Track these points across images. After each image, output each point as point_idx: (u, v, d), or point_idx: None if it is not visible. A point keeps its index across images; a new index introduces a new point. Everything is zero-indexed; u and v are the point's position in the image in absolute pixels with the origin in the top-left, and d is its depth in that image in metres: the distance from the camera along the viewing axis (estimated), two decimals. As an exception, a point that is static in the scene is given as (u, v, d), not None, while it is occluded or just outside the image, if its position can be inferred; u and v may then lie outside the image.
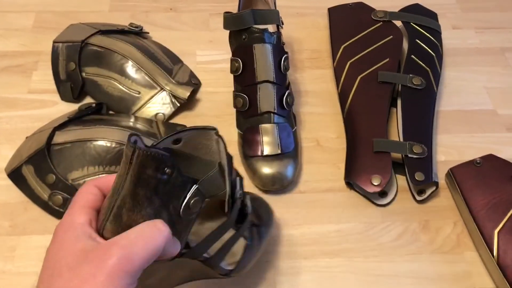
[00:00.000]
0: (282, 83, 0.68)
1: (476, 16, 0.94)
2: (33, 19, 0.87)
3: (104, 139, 0.66)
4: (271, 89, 0.67)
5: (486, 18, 0.93)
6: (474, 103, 0.80)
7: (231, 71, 0.69)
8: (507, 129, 0.77)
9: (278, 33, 0.69)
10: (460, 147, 0.75)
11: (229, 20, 0.67)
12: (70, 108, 0.75)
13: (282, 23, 0.71)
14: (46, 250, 0.42)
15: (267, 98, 0.67)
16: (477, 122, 0.78)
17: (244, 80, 0.68)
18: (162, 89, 0.75)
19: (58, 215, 0.64)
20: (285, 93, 0.68)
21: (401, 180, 0.70)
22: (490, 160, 0.68)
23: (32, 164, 0.65)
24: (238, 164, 0.70)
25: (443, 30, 0.87)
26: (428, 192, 0.68)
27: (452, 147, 0.75)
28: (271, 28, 0.71)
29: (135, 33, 0.82)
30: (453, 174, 0.68)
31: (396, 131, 0.73)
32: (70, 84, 0.76)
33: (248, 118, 0.68)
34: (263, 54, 0.66)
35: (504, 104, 0.80)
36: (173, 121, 0.75)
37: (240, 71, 0.68)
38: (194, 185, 0.42)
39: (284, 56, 0.69)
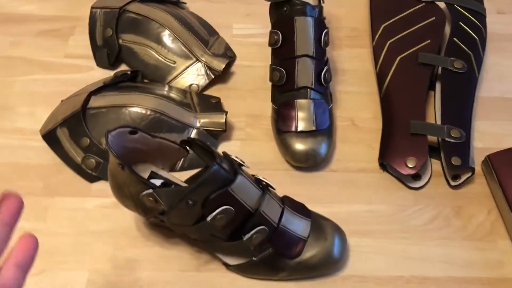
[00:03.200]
0: (321, 59, 0.67)
1: (522, 1, 0.90)
2: (72, -17, 0.87)
3: (139, 105, 0.66)
4: (310, 63, 0.66)
5: (533, 4, 0.90)
6: (515, 91, 0.78)
7: (270, 44, 0.68)
8: (549, 119, 0.75)
9: (320, 7, 0.67)
10: (498, 134, 0.72)
11: (271, -9, 0.66)
12: (105, 74, 0.75)
13: (324, -2, 0.70)
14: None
15: (305, 72, 0.66)
16: (518, 110, 0.76)
17: (283, 54, 0.67)
18: (197, 60, 0.74)
19: (91, 178, 0.65)
20: (323, 68, 0.67)
21: (435, 165, 0.69)
22: (531, 148, 0.66)
23: (67, 127, 0.66)
24: (270, 139, 0.70)
25: (487, 14, 0.84)
26: (463, 177, 0.66)
27: (489, 134, 0.73)
28: (312, 1, 0.69)
29: (173, 3, 0.82)
30: (491, 160, 0.66)
31: (433, 115, 0.72)
32: (106, 51, 0.76)
33: (284, 92, 0.67)
34: (304, 27, 0.65)
35: (547, 93, 0.78)
36: (207, 92, 0.75)
37: (279, 44, 0.66)
38: None
39: (325, 31, 0.67)
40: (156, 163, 0.56)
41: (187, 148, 0.55)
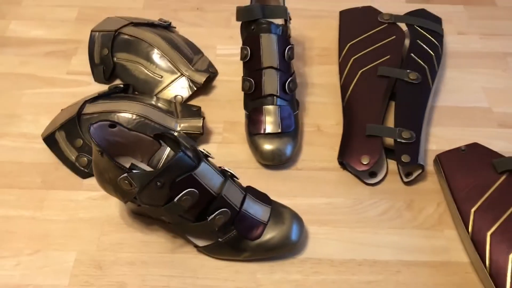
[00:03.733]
0: (285, 70, 0.76)
1: (482, 23, 0.99)
2: (76, 12, 0.99)
3: (127, 111, 0.75)
4: (274, 74, 0.75)
5: (492, 26, 0.99)
6: (470, 101, 0.86)
7: (241, 58, 0.78)
8: (499, 125, 0.82)
9: (285, 27, 0.77)
10: (451, 138, 0.80)
11: (241, 12, 0.76)
12: (102, 88, 0.85)
13: (290, 19, 0.80)
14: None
15: (271, 82, 0.75)
16: (471, 117, 0.83)
17: (251, 66, 0.76)
18: (182, 74, 0.84)
19: (83, 174, 0.74)
20: (288, 79, 0.76)
21: (392, 164, 0.76)
22: (475, 148, 0.73)
23: (64, 130, 0.75)
24: (244, 142, 0.78)
25: (448, 35, 0.94)
26: (415, 174, 0.74)
27: (443, 138, 0.80)
28: (278, 22, 0.79)
29: (164, 27, 0.93)
30: (439, 159, 0.73)
31: (393, 122, 0.79)
32: (102, 67, 0.86)
33: (254, 100, 0.76)
34: (269, 43, 0.74)
35: (501, 103, 0.85)
36: (190, 103, 0.84)
37: (248, 58, 0.76)
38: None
39: (289, 46, 0.77)
40: (135, 156, 0.65)
41: (160, 141, 0.64)
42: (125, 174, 0.58)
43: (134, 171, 0.59)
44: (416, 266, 0.66)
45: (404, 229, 0.70)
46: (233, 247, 0.64)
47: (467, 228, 0.66)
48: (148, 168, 0.66)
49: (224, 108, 0.84)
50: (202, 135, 0.77)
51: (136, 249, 0.67)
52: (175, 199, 0.59)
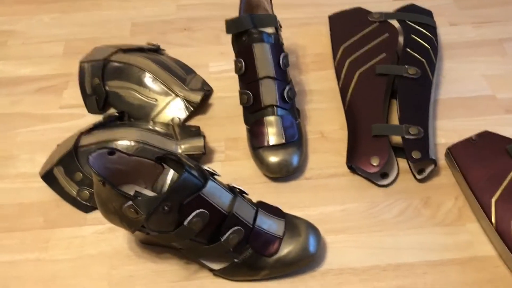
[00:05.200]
0: (282, 79, 0.75)
1: (473, 12, 0.98)
2: (63, 46, 0.97)
3: (124, 138, 0.73)
4: (272, 84, 0.73)
5: (483, 14, 0.98)
6: (472, 90, 0.84)
7: (236, 72, 0.76)
8: (506, 111, 0.80)
9: (276, 34, 0.76)
10: (460, 130, 0.78)
11: (230, 24, 0.74)
12: (96, 119, 0.82)
13: (280, 26, 0.78)
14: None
15: (269, 92, 0.73)
16: (476, 107, 0.81)
17: (247, 78, 0.74)
18: (176, 95, 0.82)
19: (86, 208, 0.71)
20: (285, 87, 0.74)
21: (402, 163, 0.74)
22: (485, 136, 0.71)
23: (62, 165, 0.73)
24: (248, 157, 0.76)
25: (440, 27, 0.92)
26: (428, 170, 0.71)
27: (451, 130, 0.78)
28: (269, 30, 0.77)
29: (153, 50, 0.91)
30: (451, 152, 0.71)
31: (397, 120, 0.77)
32: (95, 97, 0.84)
33: (253, 112, 0.74)
34: (262, 52, 0.73)
35: (503, 89, 0.84)
36: (188, 123, 0.82)
37: (243, 70, 0.74)
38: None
39: (283, 54, 0.75)
40: (138, 182, 0.63)
41: (162, 164, 0.62)
42: (130, 202, 0.55)
43: (139, 198, 0.56)
44: (443, 265, 0.63)
45: (425, 228, 0.67)
46: (250, 267, 0.61)
47: (490, 219, 0.63)
48: (153, 194, 0.63)
49: (224, 125, 0.82)
50: (204, 154, 0.75)
51: (149, 280, 0.64)
52: (185, 223, 0.56)
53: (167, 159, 0.61)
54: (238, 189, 0.62)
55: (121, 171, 0.60)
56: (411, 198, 0.70)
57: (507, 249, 0.61)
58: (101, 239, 0.68)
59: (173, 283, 0.64)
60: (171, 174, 0.63)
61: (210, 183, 0.57)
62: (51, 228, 0.70)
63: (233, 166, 0.76)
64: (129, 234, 0.67)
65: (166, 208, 0.55)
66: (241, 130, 0.79)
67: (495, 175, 0.66)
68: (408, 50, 0.83)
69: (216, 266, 0.62)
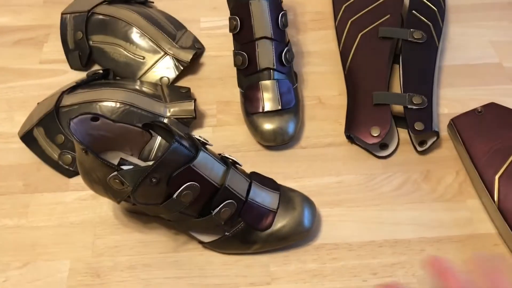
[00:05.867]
0: (280, 40, 0.69)
1: (483, -28, 0.92)
2: (43, -5, 0.90)
3: (109, 99, 0.68)
4: (269, 45, 0.68)
5: (493, -26, 0.92)
6: (479, 57, 0.80)
7: (230, 30, 0.70)
8: (513, 81, 0.76)
9: (275, -9, 0.70)
10: (463, 99, 0.74)
11: (226, -22, 0.68)
12: (79, 76, 0.77)
13: (279, -18, 0.72)
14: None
15: (266, 54, 0.68)
16: (482, 75, 0.77)
17: (243, 38, 0.69)
18: (165, 53, 0.77)
19: (68, 173, 0.67)
20: (284, 49, 0.69)
21: (403, 134, 0.71)
22: (492, 108, 0.68)
23: (42, 126, 0.68)
24: (241, 122, 0.72)
25: (448, -13, 0.87)
26: (429, 142, 0.68)
27: (455, 100, 0.74)
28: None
29: (140, 3, 0.84)
30: (454, 123, 0.68)
31: (399, 87, 0.73)
32: (78, 53, 0.78)
33: (248, 75, 0.70)
34: (260, 10, 0.67)
35: (511, 57, 0.79)
36: (177, 84, 0.77)
37: (238, 29, 0.69)
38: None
39: (282, 12, 0.70)
40: (124, 149, 0.59)
41: (150, 131, 0.57)
42: (115, 173, 0.51)
43: (124, 167, 0.52)
44: (441, 243, 0.61)
45: (424, 203, 0.64)
46: (242, 240, 0.58)
47: (492, 196, 0.61)
48: (139, 162, 0.59)
49: (215, 87, 0.77)
50: (195, 119, 0.70)
51: (136, 251, 0.61)
52: (174, 196, 0.53)
53: (155, 126, 0.57)
54: (231, 159, 0.58)
55: (106, 138, 0.56)
56: (410, 171, 0.67)
57: (508, 228, 0.59)
58: (84, 205, 0.65)
59: (161, 254, 0.61)
60: (158, 140, 0.59)
61: (201, 154, 0.53)
62: (31, 192, 0.66)
63: (225, 131, 0.72)
64: (113, 202, 0.64)
65: (154, 180, 0.51)
66: (234, 93, 0.74)
67: (500, 150, 0.63)
68: (414, 12, 0.78)
69: (206, 238, 0.59)
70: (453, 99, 0.75)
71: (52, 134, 0.67)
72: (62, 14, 0.81)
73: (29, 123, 0.70)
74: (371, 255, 0.60)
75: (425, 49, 0.74)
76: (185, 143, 0.52)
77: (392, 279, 0.58)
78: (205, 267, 0.60)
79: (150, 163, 0.57)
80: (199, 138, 0.56)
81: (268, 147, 0.70)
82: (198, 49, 0.80)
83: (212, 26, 0.85)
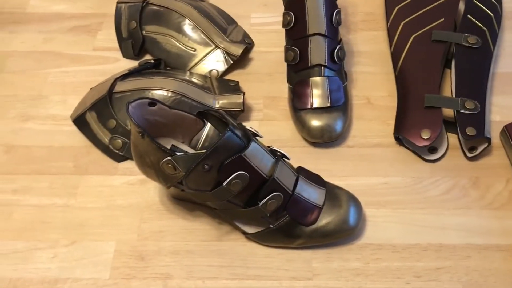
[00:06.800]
0: (333, 37, 0.69)
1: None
2: (99, -16, 0.92)
3: (162, 88, 0.69)
4: (322, 42, 0.68)
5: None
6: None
7: (283, 25, 0.71)
8: None
9: (331, -12, 0.70)
10: (516, 108, 0.73)
11: (283, -26, 0.68)
12: (131, 64, 0.79)
13: (335, -20, 0.72)
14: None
15: (318, 50, 0.68)
16: (537, 84, 0.75)
17: (296, 33, 0.69)
18: (216, 46, 0.78)
19: (117, 157, 0.68)
20: (336, 47, 0.69)
21: (452, 138, 0.70)
22: (548, 117, 0.66)
23: (95, 110, 0.70)
24: (288, 118, 0.72)
25: (505, -6, 0.85)
26: (480, 148, 0.67)
27: (508, 108, 0.73)
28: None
29: (193, -4, 0.86)
30: (508, 130, 0.66)
31: (450, 92, 0.72)
32: (131, 42, 0.80)
33: (299, 71, 0.70)
34: (315, 6, 0.67)
35: None
36: (226, 77, 0.78)
37: (292, 24, 0.69)
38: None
39: (337, 10, 0.69)
40: (176, 136, 0.59)
41: (203, 119, 0.58)
42: (169, 157, 0.52)
43: (176, 153, 0.53)
44: (487, 250, 0.60)
45: (471, 209, 0.63)
46: (286, 234, 0.58)
47: (545, 207, 0.59)
48: (190, 149, 0.60)
49: (264, 82, 0.77)
50: (242, 112, 0.71)
51: (180, 237, 0.62)
52: (224, 183, 0.53)
53: (209, 115, 0.58)
54: (280, 152, 0.59)
55: (160, 124, 0.57)
56: (459, 176, 0.66)
57: (561, 241, 0.57)
58: (131, 190, 0.66)
59: (204, 242, 0.61)
60: (206, 130, 0.60)
61: (252, 145, 0.54)
62: (81, 174, 0.68)
63: (271, 126, 0.72)
64: (161, 187, 0.65)
65: (206, 167, 0.52)
66: (282, 88, 0.75)
67: (555, 160, 0.62)
68: (469, 16, 0.76)
69: (250, 229, 0.60)
70: (505, 106, 0.73)
71: (104, 118, 0.69)
72: (117, 3, 0.83)
73: (82, 107, 0.72)
74: (415, 258, 0.59)
75: (479, 54, 0.73)
76: (238, 132, 0.53)
77: (436, 283, 0.58)
78: (248, 258, 0.60)
79: (202, 151, 0.58)
80: (251, 129, 0.57)
81: (314, 144, 0.70)
82: (248, 44, 0.80)
83: (263, 22, 0.85)
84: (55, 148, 0.71)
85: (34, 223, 0.63)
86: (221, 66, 0.77)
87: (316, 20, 0.67)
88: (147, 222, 0.63)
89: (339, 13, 0.70)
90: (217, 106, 0.70)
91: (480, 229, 0.62)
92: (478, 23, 0.76)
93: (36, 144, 0.71)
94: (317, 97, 0.68)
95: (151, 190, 0.66)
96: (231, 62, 0.77)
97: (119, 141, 0.68)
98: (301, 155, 0.69)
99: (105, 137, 0.69)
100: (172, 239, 0.62)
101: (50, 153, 0.70)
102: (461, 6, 0.79)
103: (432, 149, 0.68)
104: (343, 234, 0.59)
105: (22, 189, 0.66)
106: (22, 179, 0.67)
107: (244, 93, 0.71)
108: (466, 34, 0.74)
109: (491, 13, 0.78)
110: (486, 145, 0.66)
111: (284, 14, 0.70)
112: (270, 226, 0.58)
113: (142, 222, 0.63)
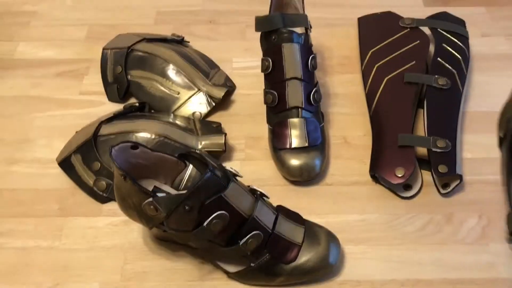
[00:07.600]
0: (309, 81, 0.73)
1: (506, 24, 0.95)
2: (86, 31, 0.96)
3: (145, 131, 0.72)
4: (299, 85, 0.71)
5: (517, 26, 0.95)
6: (502, 105, 0.82)
7: (262, 70, 0.74)
8: (536, 129, 0.78)
9: (306, 35, 0.74)
10: (486, 145, 0.76)
11: (260, 21, 0.72)
12: (116, 107, 0.81)
13: (311, 27, 0.76)
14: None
15: (295, 94, 0.71)
16: (505, 122, 0.79)
17: (274, 78, 0.73)
18: (199, 90, 0.81)
19: (102, 199, 0.70)
20: (312, 90, 0.73)
21: (426, 176, 0.72)
22: None
23: (80, 153, 0.72)
24: (269, 158, 0.74)
25: (472, 38, 0.90)
26: (453, 185, 0.69)
27: (478, 145, 0.76)
28: (299, 31, 0.76)
29: (177, 42, 0.89)
30: None
31: (423, 131, 0.76)
32: (116, 86, 0.83)
33: (277, 113, 0.73)
34: (291, 52, 0.71)
35: (534, 106, 0.81)
36: (209, 119, 0.80)
37: (270, 70, 0.73)
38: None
39: (312, 56, 0.73)
40: (158, 178, 0.61)
41: (185, 161, 0.60)
42: (150, 199, 0.54)
43: (158, 194, 0.55)
44: (462, 284, 0.62)
45: (446, 245, 0.65)
46: (266, 272, 0.60)
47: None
48: (172, 190, 0.62)
49: (245, 123, 0.80)
50: (224, 152, 0.73)
51: (163, 277, 0.63)
52: (205, 223, 0.55)
53: (190, 156, 0.60)
54: (259, 191, 0.61)
55: (142, 166, 0.59)
56: (433, 213, 0.69)
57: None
58: (115, 231, 0.67)
59: (187, 282, 0.63)
60: (188, 171, 0.62)
61: (232, 185, 0.56)
62: (66, 216, 0.69)
63: (252, 166, 0.75)
64: (144, 228, 0.66)
65: (187, 207, 0.54)
66: (263, 129, 0.77)
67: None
68: (439, 59, 0.81)
69: (231, 268, 0.61)
70: (476, 144, 0.76)
71: (89, 161, 0.71)
72: (103, 49, 0.86)
73: (68, 150, 0.74)
74: (393, 294, 0.61)
75: (449, 95, 0.77)
76: (218, 173, 0.55)
77: (414, 319, 0.59)
78: (230, 297, 0.61)
79: (182, 192, 0.60)
80: (230, 169, 0.59)
81: (294, 183, 0.72)
82: (229, 87, 0.83)
83: (244, 66, 0.89)
84: (40, 190, 0.72)
85: (18, 266, 0.64)
86: (204, 108, 0.80)
87: (292, 65, 0.71)
88: (131, 263, 0.64)
89: (314, 58, 0.74)
90: (199, 147, 0.73)
91: (455, 264, 0.64)
92: (448, 65, 0.80)
93: (21, 187, 0.72)
94: (295, 137, 0.71)
95: (134, 231, 0.67)
96: (214, 104, 0.80)
97: (103, 183, 0.70)
98: (282, 193, 0.71)
99: (89, 179, 0.70)
100: (155, 279, 0.63)
101: (36, 196, 0.71)
102: (431, 50, 0.84)
103: (407, 187, 0.70)
104: (322, 271, 0.61)
105: (7, 232, 0.67)
106: (8, 222, 0.68)
107: (225, 134, 0.74)
108: (436, 76, 0.78)
109: (459, 56, 0.82)
110: (458, 181, 0.69)
111: (262, 60, 0.74)
112: (251, 264, 0.60)
113: (125, 263, 0.64)
